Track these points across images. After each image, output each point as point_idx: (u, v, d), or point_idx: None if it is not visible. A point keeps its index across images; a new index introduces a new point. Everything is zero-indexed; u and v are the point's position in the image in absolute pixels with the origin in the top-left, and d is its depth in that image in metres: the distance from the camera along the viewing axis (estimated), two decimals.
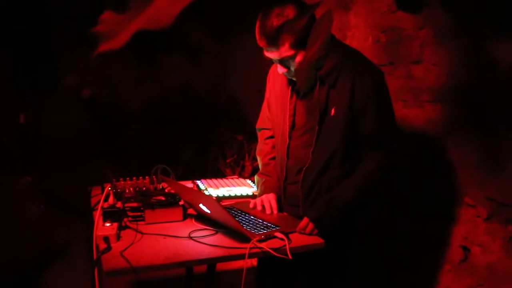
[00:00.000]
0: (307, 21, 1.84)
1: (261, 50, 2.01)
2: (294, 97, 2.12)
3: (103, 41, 0.54)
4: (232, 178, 2.72)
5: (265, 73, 2.34)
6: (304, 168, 2.07)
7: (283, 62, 1.98)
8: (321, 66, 1.99)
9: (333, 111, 1.98)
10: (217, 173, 4.12)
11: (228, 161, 4.07)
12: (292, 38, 1.88)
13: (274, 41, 1.90)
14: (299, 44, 1.88)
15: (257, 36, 1.94)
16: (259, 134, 2.46)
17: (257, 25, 1.93)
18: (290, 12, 1.86)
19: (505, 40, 2.04)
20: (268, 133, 2.39)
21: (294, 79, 2.08)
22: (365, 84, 1.95)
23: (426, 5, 0.81)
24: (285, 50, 1.91)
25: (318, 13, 2.03)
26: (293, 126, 2.13)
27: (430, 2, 0.87)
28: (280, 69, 2.01)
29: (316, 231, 1.94)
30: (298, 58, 1.92)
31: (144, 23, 0.53)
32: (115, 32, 0.53)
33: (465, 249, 2.34)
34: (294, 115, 2.12)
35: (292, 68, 1.98)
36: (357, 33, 2.94)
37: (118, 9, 0.54)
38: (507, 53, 2.04)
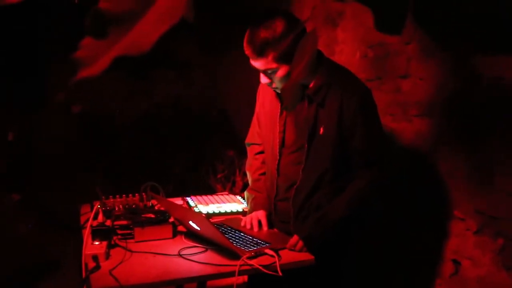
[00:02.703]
0: (294, 37, 1.86)
1: (251, 65, 2.03)
2: (284, 113, 2.13)
3: (82, 67, 0.54)
4: (222, 195, 2.72)
5: (256, 88, 2.35)
6: (295, 186, 2.08)
7: (266, 73, 2.00)
8: (308, 84, 2.01)
9: (322, 129, 1.99)
10: (208, 189, 4.11)
11: (218, 176, 4.06)
12: (276, 52, 1.90)
13: (258, 52, 1.92)
14: (283, 59, 1.91)
15: (244, 44, 1.96)
16: (248, 149, 2.46)
17: (246, 34, 1.96)
18: (279, 26, 1.89)
19: (488, 54, 2.06)
20: (258, 148, 2.40)
21: (278, 91, 2.09)
22: (353, 103, 1.96)
23: (405, 25, 0.82)
24: (268, 62, 1.93)
25: (307, 28, 2.06)
26: (283, 143, 2.13)
27: (412, 21, 0.88)
28: (263, 79, 2.03)
29: (305, 248, 1.94)
30: (281, 72, 1.95)
31: (123, 49, 0.54)
32: (95, 58, 0.54)
33: (456, 262, 2.34)
34: (284, 131, 2.13)
35: (275, 80, 2.00)
36: (345, 48, 2.96)
37: (98, 35, 0.55)
38: (491, 66, 2.07)
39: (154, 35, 0.55)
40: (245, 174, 3.76)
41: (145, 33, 0.55)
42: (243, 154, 3.94)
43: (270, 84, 2.04)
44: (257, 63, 1.98)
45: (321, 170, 2.02)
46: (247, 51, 1.96)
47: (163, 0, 0.57)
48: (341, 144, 1.99)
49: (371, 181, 2.02)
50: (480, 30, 2.04)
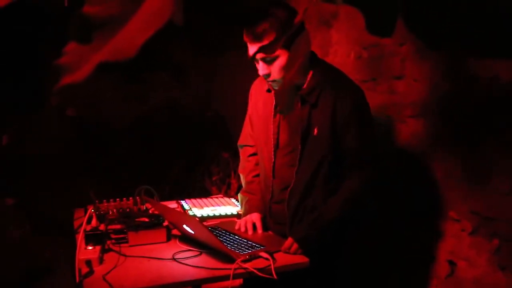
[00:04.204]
0: (294, 25, 1.86)
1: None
2: (278, 115, 2.12)
3: (66, 74, 0.53)
4: (217, 197, 2.70)
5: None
6: (289, 188, 2.07)
7: (266, 61, 1.96)
8: (302, 85, 2.00)
9: (316, 130, 1.99)
10: (203, 191, 4.10)
11: (214, 179, 4.05)
12: (277, 37, 1.89)
13: (259, 37, 1.91)
14: (283, 45, 1.90)
15: (245, 32, 1.95)
16: (241, 151, 2.45)
17: (248, 24, 1.95)
18: (279, 14, 1.90)
19: (483, 55, 2.05)
20: (250, 150, 2.39)
21: (275, 86, 2.06)
22: (347, 104, 1.95)
23: (396, 27, 0.81)
24: None
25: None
26: (277, 144, 2.12)
27: (404, 22, 0.87)
28: (262, 70, 1.99)
29: (300, 250, 1.93)
30: (281, 60, 1.93)
31: (107, 54, 0.53)
32: (79, 64, 0.53)
33: (452, 263, 2.34)
34: (278, 133, 2.12)
35: (275, 70, 1.96)
36: (339, 49, 2.96)
37: (83, 40, 0.54)
38: (486, 67, 2.06)
39: (140, 40, 0.53)
40: (240, 176, 3.75)
41: (130, 38, 0.54)
42: (238, 156, 3.93)
43: (268, 75, 2.00)
44: (256, 47, 1.95)
45: (315, 172, 2.01)
46: (248, 37, 1.95)
47: (149, 3, 0.56)
48: (335, 144, 1.98)
49: (364, 182, 2.02)
50: (475, 31, 2.03)
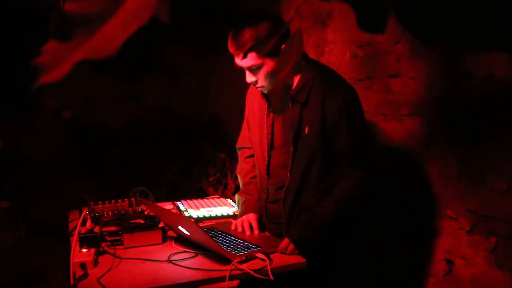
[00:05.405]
0: (278, 33, 1.86)
1: (236, 65, 2.03)
2: (271, 115, 2.11)
3: (44, 73, 0.52)
4: (213, 198, 2.69)
5: (246, 91, 2.34)
6: (284, 188, 2.06)
7: (251, 70, 1.99)
8: (292, 84, 2.00)
9: (306, 129, 1.98)
10: (200, 192, 4.08)
11: (210, 179, 4.04)
12: (260, 48, 1.89)
13: (242, 49, 1.93)
14: (267, 54, 1.92)
15: (228, 43, 1.97)
16: (239, 153, 2.45)
17: (230, 33, 1.97)
18: (263, 24, 1.91)
19: (479, 52, 2.05)
20: (248, 152, 2.39)
21: (263, 90, 2.08)
22: (336, 103, 1.94)
23: (388, 24, 0.80)
24: (252, 59, 1.94)
25: (294, 28, 2.04)
26: (271, 145, 2.12)
27: (397, 19, 0.86)
28: (249, 78, 2.02)
29: (297, 251, 1.92)
30: (266, 68, 1.95)
31: (87, 53, 0.52)
32: (57, 63, 0.51)
33: (449, 262, 2.33)
34: (272, 133, 2.11)
35: (260, 78, 1.99)
36: (335, 48, 2.95)
37: (63, 39, 0.52)
38: (482, 64, 2.05)
39: (121, 38, 0.52)
40: (237, 177, 3.74)
41: (111, 36, 0.52)
42: (234, 156, 3.92)
43: (255, 83, 2.03)
44: (241, 61, 1.98)
45: (308, 171, 2.00)
46: (231, 48, 1.97)
47: (131, 1, 0.54)
48: (326, 143, 1.97)
49: (359, 181, 2.01)
50: (470, 28, 2.02)
